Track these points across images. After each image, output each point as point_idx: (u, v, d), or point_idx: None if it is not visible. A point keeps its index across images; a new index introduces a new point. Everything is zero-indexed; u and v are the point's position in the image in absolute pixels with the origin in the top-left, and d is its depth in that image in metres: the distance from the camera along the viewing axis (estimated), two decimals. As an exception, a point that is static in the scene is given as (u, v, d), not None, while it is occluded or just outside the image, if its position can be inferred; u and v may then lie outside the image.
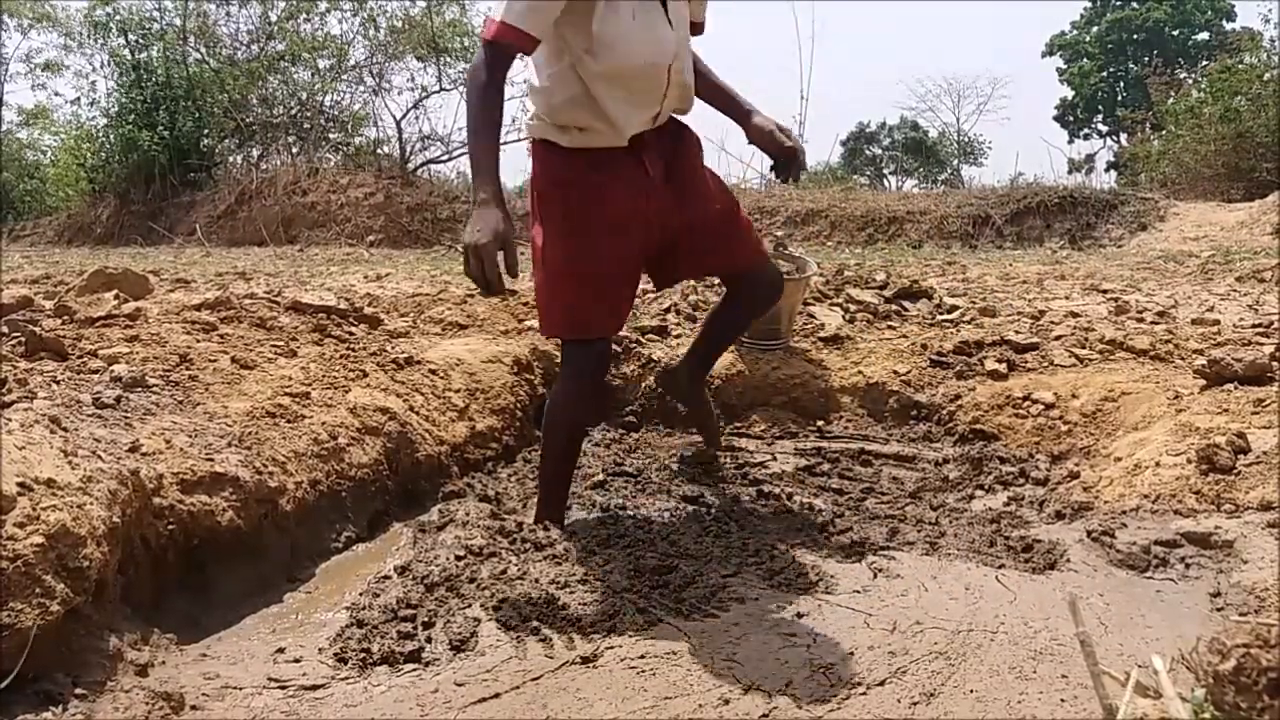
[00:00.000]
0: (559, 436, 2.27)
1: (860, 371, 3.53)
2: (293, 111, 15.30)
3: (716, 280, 3.62)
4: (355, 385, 2.65)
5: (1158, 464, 2.29)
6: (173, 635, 1.64)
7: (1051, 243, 11.02)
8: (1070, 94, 33.65)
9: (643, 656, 1.57)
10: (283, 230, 12.39)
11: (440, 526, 2.27)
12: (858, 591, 1.82)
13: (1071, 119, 33.71)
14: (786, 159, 2.28)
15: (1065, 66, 34.01)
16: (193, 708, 1.45)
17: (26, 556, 1.35)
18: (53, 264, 8.04)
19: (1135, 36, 31.69)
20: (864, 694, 1.44)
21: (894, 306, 4.26)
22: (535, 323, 3.90)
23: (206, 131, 14.73)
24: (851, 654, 1.56)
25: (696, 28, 2.28)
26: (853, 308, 4.15)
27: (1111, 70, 32.62)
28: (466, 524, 2.25)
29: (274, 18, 15.31)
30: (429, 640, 1.66)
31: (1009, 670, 1.50)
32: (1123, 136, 24.89)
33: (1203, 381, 2.70)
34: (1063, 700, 1.40)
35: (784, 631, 1.65)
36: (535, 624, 1.69)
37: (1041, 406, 3.03)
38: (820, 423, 3.41)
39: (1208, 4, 31.55)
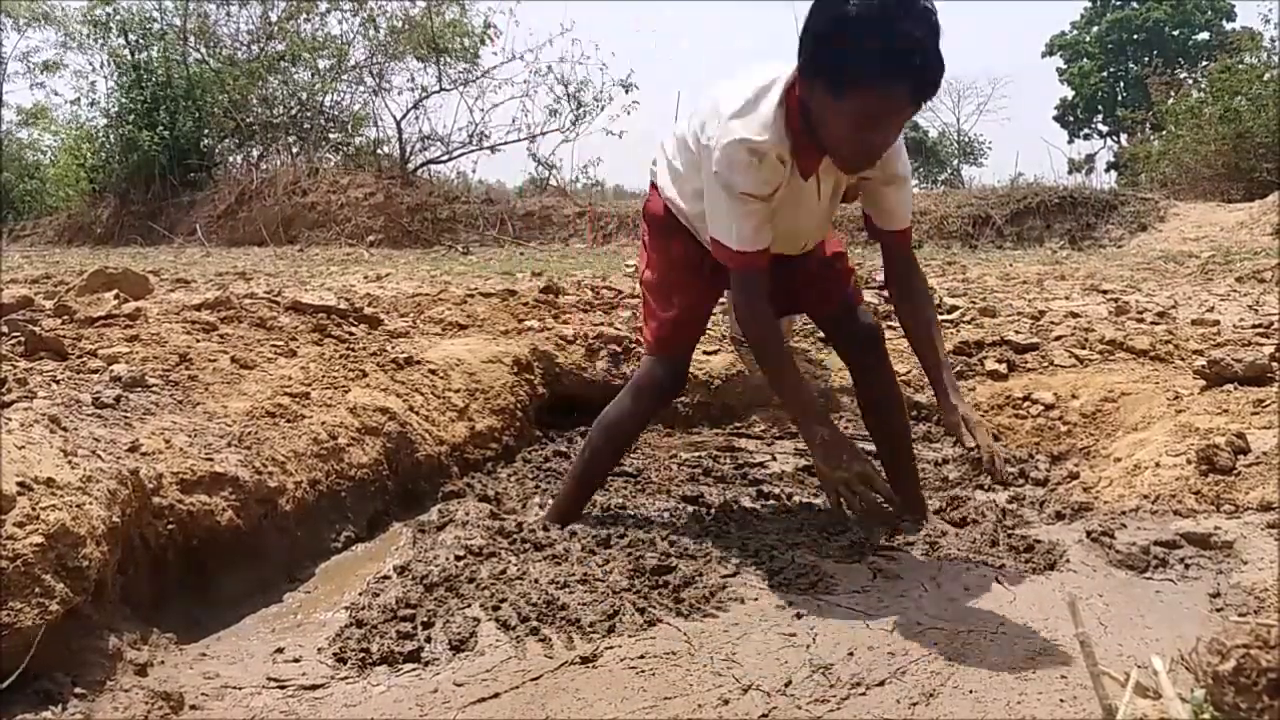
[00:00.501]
0: (615, 443, 2.36)
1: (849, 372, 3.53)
2: (293, 111, 15.32)
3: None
4: (355, 385, 2.65)
5: (1157, 464, 2.29)
6: (172, 635, 1.63)
7: (1051, 243, 11.03)
8: (1070, 94, 33.68)
9: (642, 656, 1.57)
10: (283, 230, 12.39)
11: (440, 526, 2.27)
12: (858, 591, 1.82)
13: (1071, 119, 33.74)
14: (979, 459, 1.96)
15: (1065, 66, 34.04)
16: (192, 707, 1.45)
17: (26, 556, 1.35)
18: (53, 264, 8.04)
19: (1135, 36, 31.71)
20: (864, 694, 1.44)
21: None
22: (534, 323, 3.91)
23: (206, 131, 14.75)
24: (851, 654, 1.56)
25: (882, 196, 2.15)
26: (853, 308, 4.14)
27: (1112, 70, 32.63)
28: (466, 524, 2.25)
29: (274, 18, 15.33)
30: (428, 640, 1.66)
31: (1009, 670, 1.49)
32: (1123, 137, 24.91)
33: (1203, 382, 2.70)
34: (1062, 700, 1.40)
35: (784, 631, 1.65)
36: (535, 624, 1.69)
37: (1041, 407, 3.03)
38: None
39: (1208, 4, 31.56)
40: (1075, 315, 4.44)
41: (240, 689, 1.51)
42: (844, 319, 2.33)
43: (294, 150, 14.95)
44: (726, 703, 1.42)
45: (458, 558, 2.01)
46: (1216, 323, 4.13)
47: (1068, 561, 1.93)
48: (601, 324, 3.92)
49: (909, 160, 2.13)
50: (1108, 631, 1.62)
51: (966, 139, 31.41)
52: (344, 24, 15.52)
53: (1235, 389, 2.58)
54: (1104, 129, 32.76)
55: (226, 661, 1.61)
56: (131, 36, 14.52)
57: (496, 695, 1.48)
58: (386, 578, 1.96)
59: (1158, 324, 4.15)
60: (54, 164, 18.09)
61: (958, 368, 3.48)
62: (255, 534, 1.93)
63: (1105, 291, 5.54)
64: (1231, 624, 1.20)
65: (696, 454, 3.09)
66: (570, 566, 1.94)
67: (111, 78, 14.80)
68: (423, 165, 14.89)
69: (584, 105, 14.57)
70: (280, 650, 1.65)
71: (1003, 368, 3.35)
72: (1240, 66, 13.53)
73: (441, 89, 14.95)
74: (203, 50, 15.29)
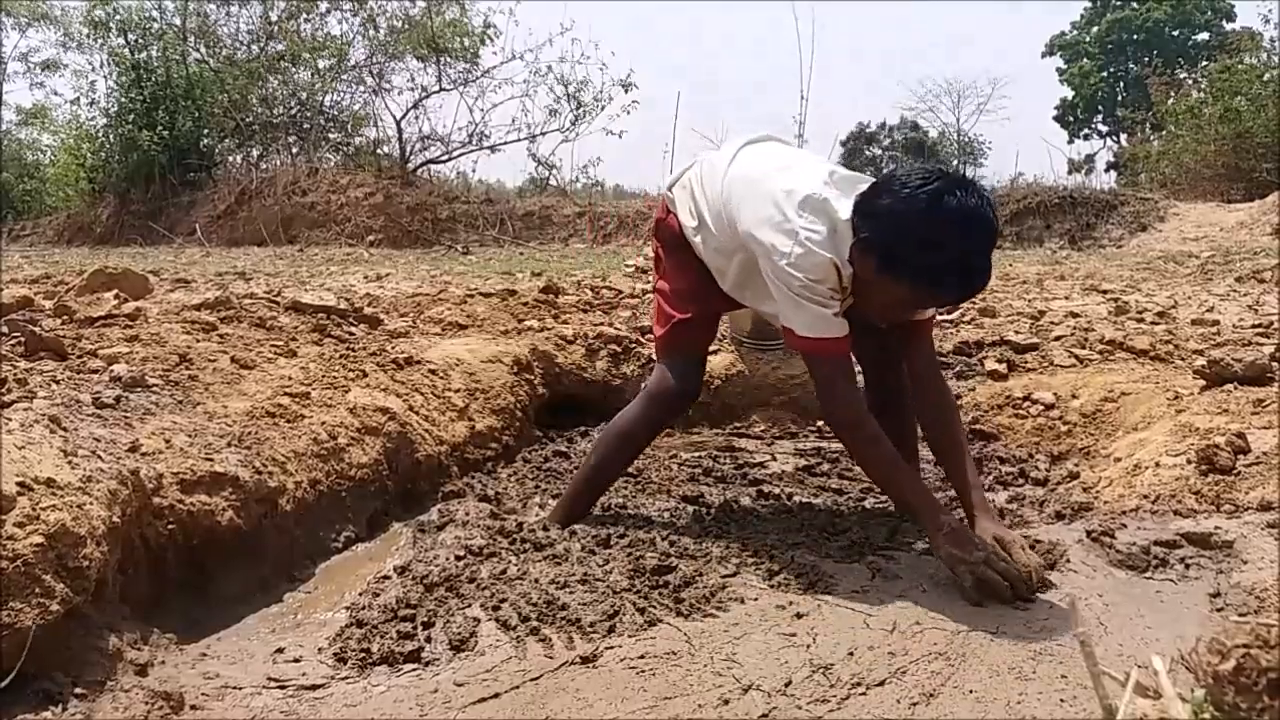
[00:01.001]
0: (626, 450, 2.36)
1: (860, 372, 3.53)
2: (293, 111, 15.32)
3: None
4: (355, 385, 2.65)
5: (1157, 464, 2.29)
6: (172, 635, 1.63)
7: (1051, 243, 11.03)
8: (1070, 94, 33.66)
9: (642, 656, 1.57)
10: (282, 230, 12.39)
11: (440, 526, 2.27)
12: (857, 591, 1.82)
13: (1071, 119, 33.72)
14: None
15: (1065, 67, 34.02)
16: (192, 707, 1.44)
17: (26, 556, 1.35)
18: (52, 264, 8.04)
19: (1135, 37, 31.71)
20: (864, 694, 1.44)
21: (894, 306, 4.26)
22: (534, 323, 3.91)
23: (206, 131, 14.73)
24: (851, 654, 1.56)
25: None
26: (853, 308, 4.14)
27: (1111, 70, 32.63)
28: (466, 524, 2.25)
29: (274, 17, 15.31)
30: (428, 640, 1.66)
31: (1009, 670, 1.49)
32: (1123, 137, 24.92)
33: (1202, 382, 2.70)
34: (1062, 700, 1.40)
35: (784, 631, 1.65)
36: (535, 624, 1.69)
37: (1041, 407, 3.03)
38: (820, 423, 3.40)
39: (1208, 4, 31.55)
40: (1075, 315, 4.44)
41: (240, 689, 1.51)
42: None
43: (294, 150, 14.95)
44: (726, 703, 1.42)
45: (458, 558, 2.01)
46: (1216, 323, 4.13)
47: (1068, 561, 1.93)
48: (601, 324, 3.92)
49: None
50: (1108, 631, 1.62)
51: (966, 139, 31.38)
52: (344, 24, 15.53)
53: (1235, 389, 2.58)
54: (1104, 129, 32.76)
55: (227, 661, 1.61)
56: (131, 36, 14.50)
57: (497, 695, 1.48)
58: (387, 578, 1.96)
59: (1158, 324, 4.15)
60: (54, 164, 18.07)
61: (958, 367, 3.48)
62: (255, 534, 1.93)
63: (1105, 291, 5.54)
64: (1232, 624, 1.20)
65: (696, 454, 3.09)
66: (570, 566, 1.94)
67: (111, 77, 14.79)
68: (423, 165, 14.89)
69: (584, 105, 14.57)
70: (280, 650, 1.65)
71: (1003, 368, 3.35)
72: (1240, 66, 13.53)
73: (441, 89, 14.94)
74: (202, 50, 15.28)
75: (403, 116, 14.87)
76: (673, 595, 1.79)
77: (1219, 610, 1.66)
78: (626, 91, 14.41)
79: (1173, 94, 15.16)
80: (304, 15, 15.38)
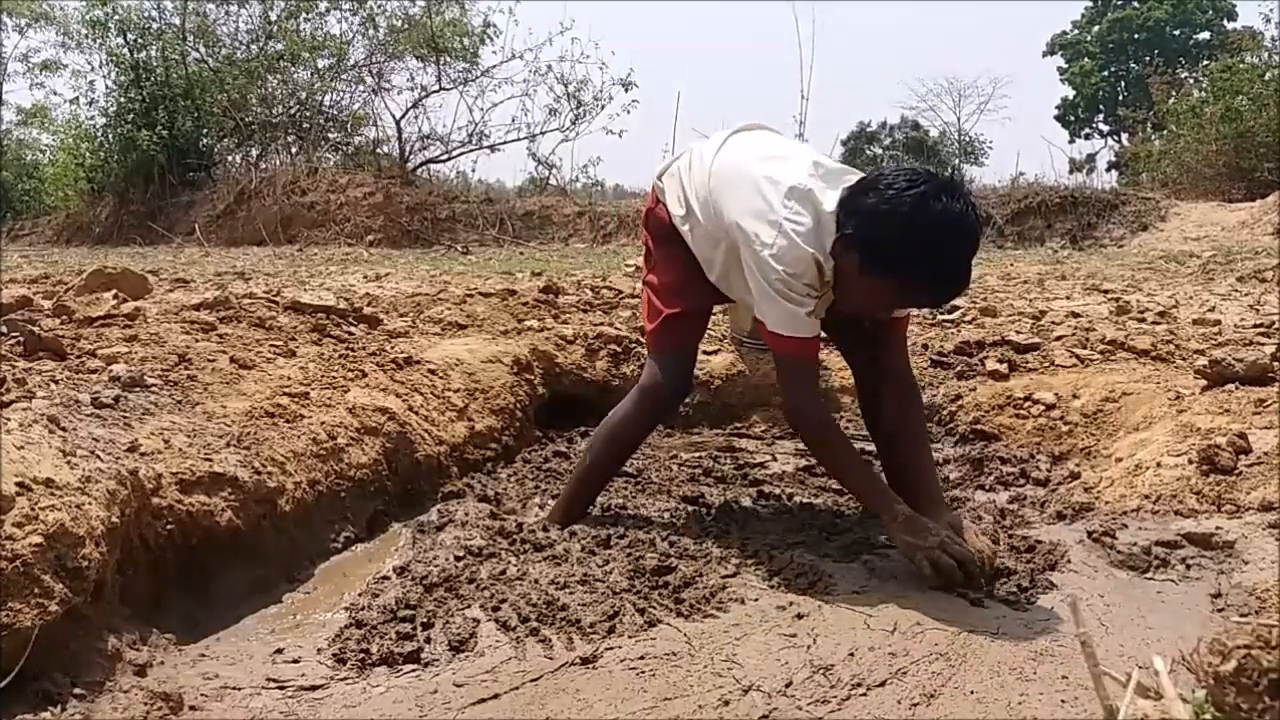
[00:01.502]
0: (619, 447, 2.37)
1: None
2: (292, 111, 15.30)
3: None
4: (354, 385, 2.65)
5: (1159, 464, 2.28)
6: (171, 635, 1.63)
7: (1052, 242, 11.02)
8: (1071, 93, 33.64)
9: (642, 657, 1.57)
10: (282, 230, 12.38)
11: (439, 527, 2.27)
12: (857, 592, 1.82)
13: (1072, 119, 33.71)
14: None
15: (1066, 66, 34.00)
16: (191, 708, 1.44)
17: (25, 556, 1.35)
18: (51, 264, 8.04)
19: (1136, 36, 31.69)
20: (864, 694, 1.44)
21: (894, 306, 4.26)
22: (534, 323, 3.90)
23: (205, 131, 14.72)
24: (851, 654, 1.55)
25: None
26: (853, 307, 4.14)
27: (1112, 70, 32.61)
28: (466, 524, 2.25)
29: (273, 17, 15.30)
30: (428, 641, 1.65)
31: (1009, 671, 1.49)
32: (1124, 136, 24.91)
33: (1204, 382, 2.69)
34: (1063, 701, 1.40)
35: (784, 631, 1.65)
36: (534, 624, 1.69)
37: (1042, 407, 3.02)
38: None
39: (1209, 3, 31.55)
40: (1076, 315, 4.44)
41: (240, 689, 1.51)
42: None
43: (293, 150, 14.93)
44: (726, 703, 1.42)
45: (457, 558, 2.00)
46: (1218, 322, 4.13)
47: (1069, 562, 1.93)
48: (601, 324, 3.92)
49: None
50: (1109, 632, 1.62)
51: (967, 139, 31.34)
52: (343, 23, 15.51)
53: (1236, 389, 2.58)
54: (1105, 128, 32.73)
55: (226, 662, 1.61)
56: (130, 36, 14.48)
57: (496, 696, 1.48)
58: (386, 578, 1.96)
59: (1159, 324, 4.15)
60: (53, 164, 18.05)
61: (958, 367, 3.48)
62: (254, 534, 1.93)
63: (1106, 291, 5.54)
64: (1233, 624, 1.20)
65: (696, 454, 3.09)
66: (570, 567, 1.94)
67: (110, 77, 14.79)
68: (422, 165, 14.88)
69: (584, 105, 14.56)
70: (280, 651, 1.65)
71: (1004, 367, 3.35)
72: (1241, 66, 13.51)
73: (441, 88, 14.92)
74: (202, 50, 15.26)
75: (402, 116, 14.88)
76: (673, 596, 1.79)
77: (1220, 611, 1.66)
78: (626, 91, 14.41)
79: (1174, 93, 15.14)
80: (303, 15, 15.37)
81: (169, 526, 1.75)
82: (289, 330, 3.19)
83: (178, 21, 14.91)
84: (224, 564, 1.86)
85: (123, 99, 14.33)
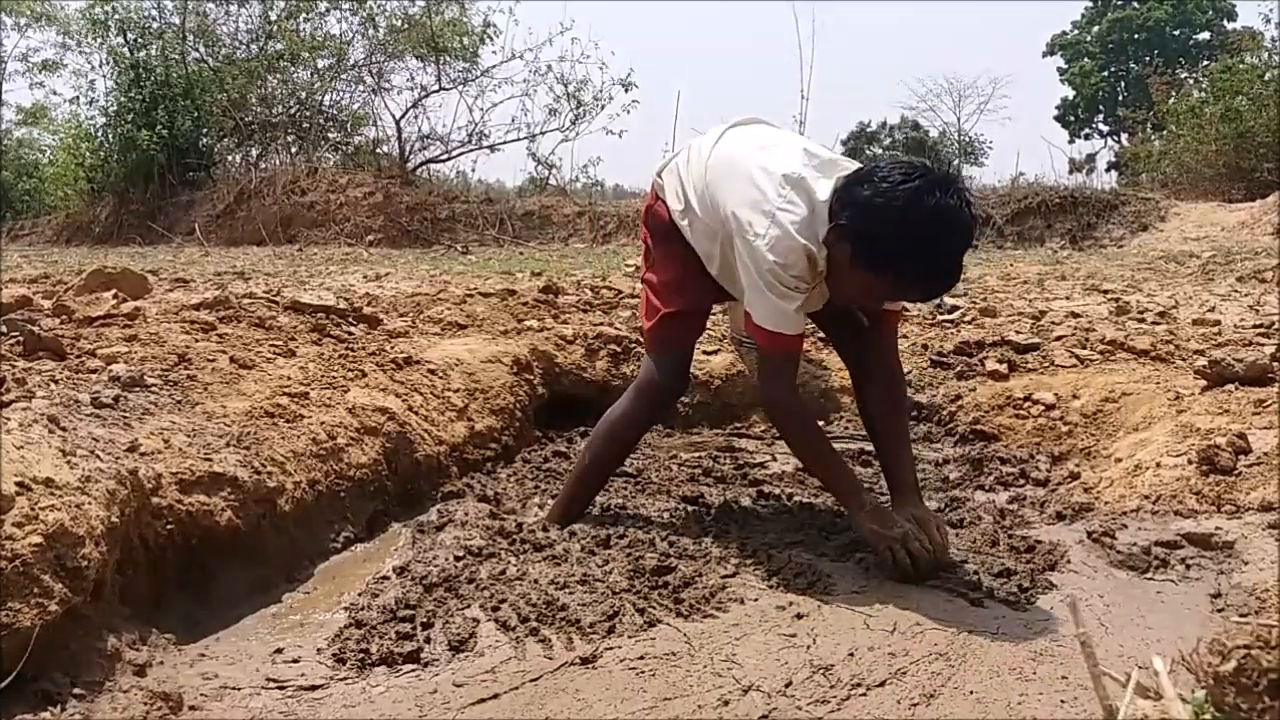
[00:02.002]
0: (616, 445, 2.37)
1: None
2: (292, 111, 15.29)
3: None
4: (354, 385, 2.65)
5: (1158, 465, 2.28)
6: (171, 635, 1.63)
7: (1052, 243, 11.02)
8: (1071, 94, 33.64)
9: (642, 657, 1.57)
10: (281, 230, 12.38)
11: (439, 527, 2.27)
12: (857, 592, 1.82)
13: (1072, 119, 33.71)
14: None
15: (1066, 66, 34.00)
16: (191, 708, 1.44)
17: (25, 556, 1.35)
18: (51, 263, 8.04)
19: (1136, 36, 31.69)
20: (864, 694, 1.44)
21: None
22: (534, 323, 3.90)
23: (205, 131, 14.71)
24: (851, 654, 1.56)
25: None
26: (853, 307, 4.14)
27: (1112, 70, 32.61)
28: (465, 524, 2.25)
29: (273, 17, 15.30)
30: (428, 641, 1.65)
31: (1009, 671, 1.49)
32: (1124, 136, 24.91)
33: (1203, 382, 2.70)
34: (1063, 701, 1.40)
35: (784, 631, 1.65)
36: (534, 624, 1.69)
37: (1042, 407, 3.02)
38: (820, 423, 3.40)
39: (1209, 4, 31.55)
40: (1076, 315, 4.44)
41: (239, 689, 1.51)
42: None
43: (293, 150, 14.92)
44: (726, 703, 1.42)
45: (457, 558, 2.00)
46: (1217, 323, 4.13)
47: (1068, 562, 1.93)
48: (601, 324, 3.92)
49: None
50: (1108, 632, 1.62)
51: (967, 139, 31.34)
52: (343, 23, 15.50)
53: (1236, 389, 2.58)
54: (1105, 129, 32.73)
55: (225, 662, 1.61)
56: (130, 35, 14.48)
57: (496, 696, 1.48)
58: (386, 578, 1.96)
59: (1159, 324, 4.15)
60: (52, 163, 18.04)
61: (958, 368, 3.48)
62: (254, 534, 1.93)
63: (1106, 291, 5.54)
64: (1232, 624, 1.20)
65: (696, 454, 3.08)
66: (570, 567, 1.94)
67: (110, 77, 14.78)
68: (422, 165, 14.87)
69: (584, 104, 14.55)
70: (279, 651, 1.65)
71: (1003, 368, 3.35)
72: (1241, 66, 13.52)
73: (441, 88, 14.91)
74: (202, 49, 15.25)
75: (402, 116, 14.87)
76: (672, 596, 1.79)
77: (1220, 611, 1.66)
78: (626, 91, 14.40)
79: (1174, 94, 15.15)
80: (303, 14, 15.36)
81: (169, 526, 1.75)
82: (289, 330, 3.18)
83: (178, 21, 14.89)
84: (224, 564, 1.86)
85: (123, 98, 14.32)
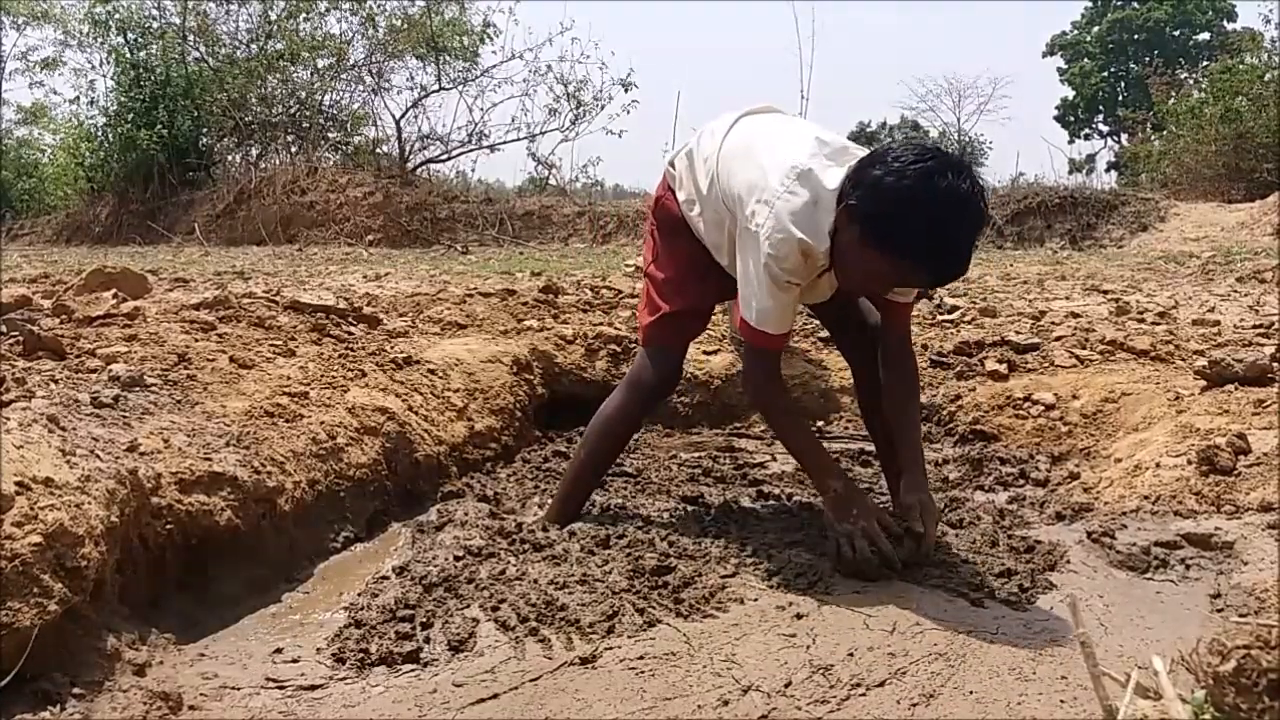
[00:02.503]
0: (611, 440, 2.37)
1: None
2: (292, 111, 15.28)
3: None
4: (354, 385, 2.65)
5: (1158, 465, 2.28)
6: (171, 635, 1.63)
7: (1052, 243, 11.02)
8: (1071, 94, 33.64)
9: (642, 657, 1.57)
10: (281, 230, 12.37)
11: (439, 527, 2.27)
12: (857, 591, 1.82)
13: (1072, 119, 33.71)
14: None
15: (1066, 66, 34.01)
16: (191, 707, 1.44)
17: (24, 556, 1.35)
18: (51, 263, 8.03)
19: (1136, 36, 31.70)
20: (864, 694, 1.44)
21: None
22: (534, 323, 3.90)
23: (205, 130, 14.71)
24: (851, 654, 1.55)
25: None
26: (852, 308, 4.14)
27: (1112, 70, 32.62)
28: (465, 524, 2.25)
29: (273, 16, 15.29)
30: (427, 641, 1.65)
31: (1009, 671, 1.49)
32: (1123, 137, 24.90)
33: (1203, 382, 2.70)
34: (1063, 701, 1.40)
35: (784, 632, 1.65)
36: (534, 624, 1.69)
37: (1042, 407, 3.02)
38: (820, 423, 3.40)
39: (1209, 4, 31.55)
40: (1076, 315, 4.44)
41: (239, 689, 1.51)
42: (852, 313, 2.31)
43: (293, 149, 14.91)
44: (726, 703, 1.42)
45: (457, 558, 2.00)
46: (1217, 323, 4.13)
47: (1068, 562, 1.93)
48: (601, 324, 3.92)
49: None
50: (1108, 632, 1.62)
51: (967, 139, 31.31)
52: (343, 23, 15.48)
53: (1236, 389, 2.58)
54: (1104, 129, 32.74)
55: (225, 662, 1.61)
56: (131, 35, 14.48)
57: (495, 696, 1.48)
58: (385, 578, 1.96)
59: (1158, 324, 4.15)
60: (52, 163, 18.05)
61: (958, 368, 3.48)
62: (254, 534, 1.93)
63: (1106, 292, 5.53)
64: (1232, 625, 1.20)
65: (696, 454, 3.09)
66: (570, 567, 1.94)
67: (110, 76, 14.78)
68: (422, 165, 14.85)
69: (584, 104, 14.54)
70: (279, 650, 1.65)
71: (1003, 368, 3.35)
72: (1241, 67, 13.52)
73: (441, 88, 14.90)
74: (202, 49, 15.25)
75: (402, 116, 14.86)
76: (672, 596, 1.79)
77: (1219, 611, 1.66)
78: (626, 91, 14.39)
79: (1173, 94, 15.15)
80: (303, 14, 15.35)
81: (168, 526, 1.75)
82: (288, 330, 3.18)
83: (178, 21, 14.89)
84: (223, 564, 1.86)
85: (123, 98, 14.32)
